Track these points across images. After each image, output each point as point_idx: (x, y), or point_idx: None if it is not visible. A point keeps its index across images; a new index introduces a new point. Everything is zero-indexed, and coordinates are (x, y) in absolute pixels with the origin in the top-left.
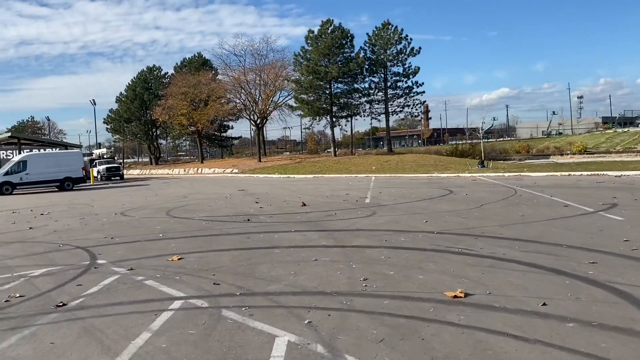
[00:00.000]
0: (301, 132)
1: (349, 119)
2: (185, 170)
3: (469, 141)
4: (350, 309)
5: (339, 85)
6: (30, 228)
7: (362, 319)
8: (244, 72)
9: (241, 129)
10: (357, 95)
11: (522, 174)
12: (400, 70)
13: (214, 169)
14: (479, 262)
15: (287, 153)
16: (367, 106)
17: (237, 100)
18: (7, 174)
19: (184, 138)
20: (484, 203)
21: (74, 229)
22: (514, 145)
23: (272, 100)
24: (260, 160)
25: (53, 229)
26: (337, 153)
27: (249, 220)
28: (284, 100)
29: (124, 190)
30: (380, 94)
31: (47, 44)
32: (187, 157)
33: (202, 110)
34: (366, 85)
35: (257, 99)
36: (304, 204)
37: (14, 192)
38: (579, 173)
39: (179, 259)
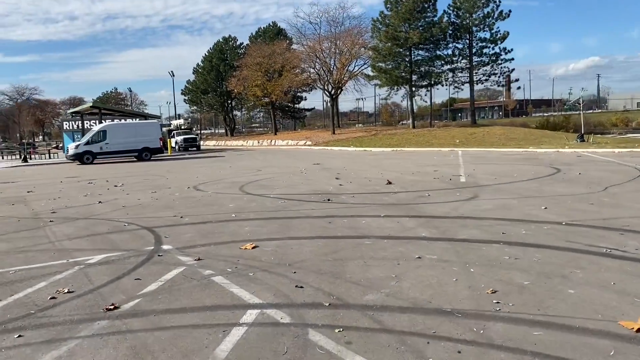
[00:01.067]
0: (375, 103)
1: (429, 88)
2: (259, 142)
3: (558, 113)
4: (488, 342)
5: (420, 52)
6: (100, 202)
7: None
8: (319, 40)
9: (313, 100)
10: (439, 63)
11: (634, 149)
12: (487, 35)
13: (287, 141)
14: None
15: (360, 125)
16: (450, 75)
17: (312, 70)
18: (88, 143)
19: (257, 110)
20: (608, 185)
21: (144, 204)
22: (610, 117)
23: (347, 70)
24: (334, 133)
25: (122, 203)
26: (414, 125)
27: (329, 200)
28: (359, 70)
29: (200, 161)
30: (464, 61)
31: (130, 17)
32: (261, 129)
33: (276, 80)
34: (449, 52)
35: (331, 69)
36: (390, 182)
37: (94, 162)
38: None
39: (253, 248)
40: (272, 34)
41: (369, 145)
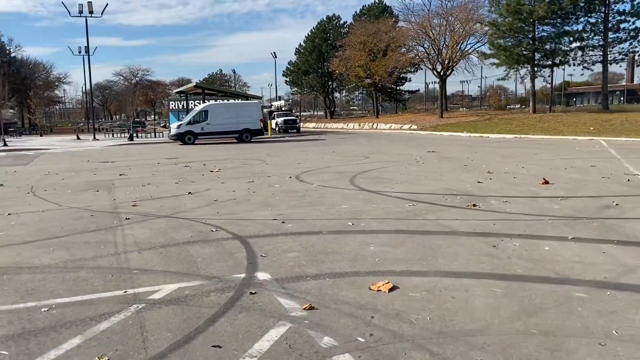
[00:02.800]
0: (481, 85)
1: (552, 68)
2: (359, 125)
3: None
4: None
5: (545, 27)
6: (189, 193)
7: None
8: (429, 17)
9: (415, 82)
10: (567, 40)
11: None
12: (627, 7)
13: (390, 125)
14: None
15: (464, 109)
16: (579, 53)
17: (421, 48)
18: (189, 123)
19: (358, 92)
20: None
21: (239, 198)
22: None
23: (459, 48)
24: (442, 116)
25: (214, 196)
26: (525, 110)
27: (475, 206)
28: (471, 48)
29: (300, 145)
30: (597, 37)
31: (237, 1)
32: (359, 112)
33: (380, 60)
34: (579, 27)
35: (441, 47)
36: (546, 181)
37: (195, 142)
38: None
39: (390, 290)
40: (377, 11)
41: (485, 130)
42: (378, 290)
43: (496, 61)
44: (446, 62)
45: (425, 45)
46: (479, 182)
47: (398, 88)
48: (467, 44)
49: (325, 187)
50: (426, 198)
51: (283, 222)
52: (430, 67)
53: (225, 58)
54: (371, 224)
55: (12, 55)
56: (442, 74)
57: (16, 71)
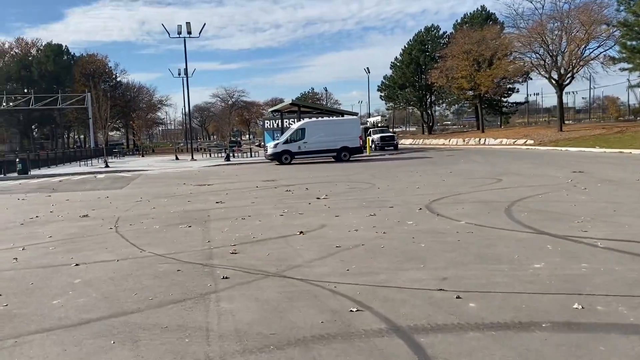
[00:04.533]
0: (589, 95)
1: None
2: (464, 141)
3: None
4: None
5: None
6: (301, 233)
7: None
8: (541, 21)
9: (517, 93)
10: None
11: None
12: None
13: (500, 140)
14: None
15: (571, 122)
16: None
17: (534, 55)
18: (286, 142)
19: (459, 105)
20: None
21: (368, 243)
22: None
23: (580, 53)
24: (561, 130)
25: (334, 239)
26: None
27: None
28: (592, 52)
29: (405, 164)
30: None
31: (328, 22)
32: (455, 127)
33: (485, 70)
34: None
35: (557, 53)
36: None
37: (292, 162)
38: None
39: None
40: (481, 19)
41: (621, 145)
42: None
43: (627, 66)
44: (567, 69)
45: (540, 52)
46: None
47: (504, 100)
48: (586, 49)
49: (480, 226)
50: None
51: (458, 297)
52: (545, 75)
53: (316, 77)
54: (615, 308)
55: (118, 79)
56: (560, 82)
57: (121, 95)
